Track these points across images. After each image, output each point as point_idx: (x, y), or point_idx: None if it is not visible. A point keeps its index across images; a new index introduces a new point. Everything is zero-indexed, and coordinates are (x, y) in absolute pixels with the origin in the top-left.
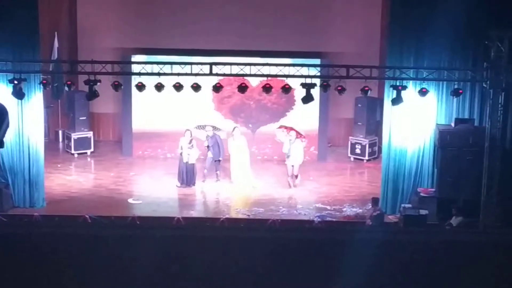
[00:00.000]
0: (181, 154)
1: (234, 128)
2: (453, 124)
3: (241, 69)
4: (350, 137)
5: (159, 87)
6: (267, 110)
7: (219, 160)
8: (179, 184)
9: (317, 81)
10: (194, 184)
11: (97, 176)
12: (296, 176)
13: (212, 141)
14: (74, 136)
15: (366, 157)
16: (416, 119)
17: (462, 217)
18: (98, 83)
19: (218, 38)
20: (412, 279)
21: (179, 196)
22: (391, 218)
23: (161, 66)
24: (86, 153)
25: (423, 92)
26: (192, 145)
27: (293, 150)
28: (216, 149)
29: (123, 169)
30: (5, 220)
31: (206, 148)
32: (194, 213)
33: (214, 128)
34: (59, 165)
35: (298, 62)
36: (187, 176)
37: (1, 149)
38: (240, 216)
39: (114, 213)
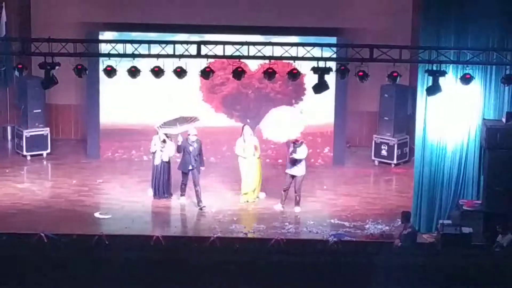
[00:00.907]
0: (153, 155)
1: (243, 127)
2: (504, 120)
3: (237, 50)
4: (374, 136)
5: (133, 72)
6: (269, 101)
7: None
8: (151, 193)
9: (332, 64)
10: (169, 195)
11: (55, 184)
12: (298, 196)
13: (193, 148)
14: (27, 133)
15: (395, 161)
16: (457, 113)
17: None
18: (57, 67)
19: (208, 10)
20: None
21: (158, 210)
22: (426, 237)
23: (136, 45)
24: (41, 154)
25: (466, 79)
26: (165, 145)
27: (298, 155)
28: (187, 157)
29: (88, 176)
30: None
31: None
32: (177, 231)
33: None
34: (7, 170)
35: (308, 41)
36: (160, 183)
37: None
38: (235, 235)
39: (76, 231)
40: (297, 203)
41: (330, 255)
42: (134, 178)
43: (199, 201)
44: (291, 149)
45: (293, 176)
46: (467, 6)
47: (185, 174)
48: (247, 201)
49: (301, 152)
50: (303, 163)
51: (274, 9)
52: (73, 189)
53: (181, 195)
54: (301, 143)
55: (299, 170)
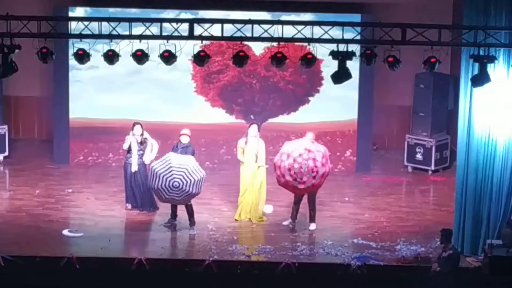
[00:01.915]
0: (126, 158)
1: (250, 125)
2: None
3: (238, 30)
4: (407, 136)
5: (111, 56)
6: (278, 93)
7: None
8: (128, 206)
9: (356, 48)
10: (153, 207)
11: (14, 194)
12: (313, 210)
13: (182, 153)
14: None
15: (432, 167)
16: (509, 109)
17: None
18: (17, 51)
19: None
20: None
21: (141, 226)
22: (470, 261)
23: (114, 24)
24: None
25: None
26: (145, 146)
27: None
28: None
29: (55, 184)
30: None
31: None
32: (164, 253)
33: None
34: None
35: (327, 19)
36: (140, 194)
37: None
38: (236, 257)
39: (40, 252)
40: (312, 218)
41: (353, 282)
42: (111, 188)
43: (191, 219)
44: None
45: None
46: None
47: None
48: (249, 219)
49: None
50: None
51: None
52: (36, 200)
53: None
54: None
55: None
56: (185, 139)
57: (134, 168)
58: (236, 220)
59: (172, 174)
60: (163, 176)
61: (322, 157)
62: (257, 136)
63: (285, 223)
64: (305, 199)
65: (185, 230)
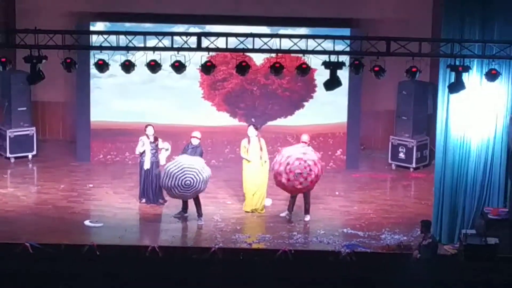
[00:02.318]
0: (141, 158)
1: (249, 126)
2: None
3: (241, 42)
4: (391, 137)
5: (127, 66)
6: (276, 99)
7: None
8: (142, 199)
9: (345, 59)
10: (163, 200)
11: (41, 189)
12: (308, 203)
13: (192, 154)
14: (10, 133)
15: (413, 165)
16: (482, 113)
17: None
18: (44, 61)
19: None
20: None
21: (154, 217)
22: (447, 248)
23: (130, 37)
24: (26, 156)
25: (492, 75)
26: (156, 145)
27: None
28: None
29: (78, 180)
30: None
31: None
32: (175, 241)
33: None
34: None
35: (319, 32)
36: (151, 189)
37: None
38: (238, 245)
39: (65, 241)
40: (307, 211)
41: (342, 267)
42: (128, 183)
43: (199, 211)
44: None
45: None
46: None
47: None
48: (253, 211)
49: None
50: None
51: None
52: (61, 194)
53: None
54: (309, 147)
55: None
56: (195, 141)
57: (147, 166)
58: (246, 211)
59: (185, 174)
60: (176, 176)
61: (316, 161)
62: (257, 135)
63: (283, 214)
64: (300, 194)
65: (193, 221)
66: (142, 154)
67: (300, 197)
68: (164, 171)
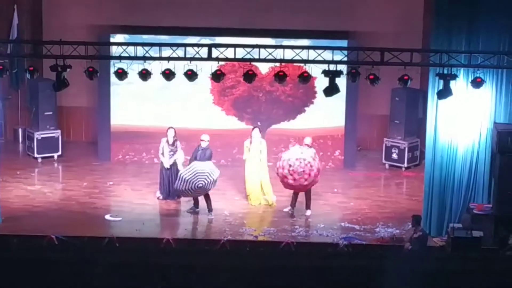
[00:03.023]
0: (161, 157)
1: (253, 128)
2: None
3: (248, 53)
4: (385, 139)
5: (144, 74)
6: (280, 105)
7: None
8: (160, 196)
9: (343, 68)
10: (178, 197)
11: (66, 186)
12: (308, 199)
13: (200, 156)
14: (38, 135)
15: (405, 164)
16: (468, 117)
17: None
18: (68, 70)
19: (219, 13)
20: None
21: (168, 212)
22: (436, 241)
23: (147, 48)
24: (52, 157)
25: (477, 83)
26: (175, 147)
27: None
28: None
29: (99, 178)
30: None
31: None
32: (187, 234)
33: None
34: (18, 172)
35: (319, 44)
36: (169, 186)
37: None
38: (245, 237)
39: (87, 233)
40: (308, 206)
41: (340, 258)
42: (145, 181)
43: (209, 206)
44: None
45: None
46: (478, 10)
47: None
48: (260, 203)
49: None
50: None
51: (285, 12)
52: (83, 191)
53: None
54: (310, 147)
55: None
56: (204, 144)
57: (166, 165)
58: (252, 205)
59: (198, 178)
60: (190, 181)
61: (313, 156)
62: (260, 137)
63: (286, 209)
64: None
65: (204, 215)
66: (162, 153)
67: (302, 194)
68: (179, 177)
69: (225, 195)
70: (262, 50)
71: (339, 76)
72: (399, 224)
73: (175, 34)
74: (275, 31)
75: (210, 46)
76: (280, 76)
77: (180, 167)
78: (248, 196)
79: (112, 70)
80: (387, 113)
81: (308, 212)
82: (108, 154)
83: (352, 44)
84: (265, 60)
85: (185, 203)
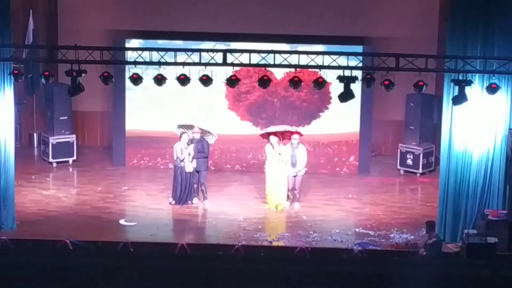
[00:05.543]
0: (177, 163)
1: (269, 137)
2: None
3: (263, 58)
4: (400, 145)
5: (159, 79)
6: (295, 110)
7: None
8: (173, 201)
9: (358, 73)
10: (192, 201)
11: (80, 190)
12: (298, 193)
13: (198, 148)
14: (53, 140)
15: (420, 170)
16: (483, 123)
17: None
18: (83, 74)
19: (234, 19)
20: None
21: (183, 217)
22: (450, 247)
23: (162, 53)
24: (67, 161)
25: (492, 89)
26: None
27: (298, 157)
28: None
29: (114, 183)
30: None
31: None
32: (202, 239)
33: (203, 131)
34: (33, 177)
35: (334, 49)
36: (184, 191)
37: None
38: (260, 243)
39: (102, 238)
40: (297, 199)
41: (355, 264)
42: (159, 186)
43: (204, 197)
44: (288, 152)
45: (294, 176)
46: (493, 15)
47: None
48: (282, 209)
49: (300, 154)
50: (303, 161)
51: (300, 18)
52: (98, 196)
53: (194, 196)
54: (298, 143)
55: (300, 170)
56: (196, 136)
57: (188, 168)
58: (269, 208)
59: None
60: None
61: None
62: (278, 141)
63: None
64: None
65: (219, 220)
66: (177, 160)
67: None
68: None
69: (240, 200)
70: (277, 55)
71: (354, 82)
72: (413, 230)
73: (190, 39)
74: (290, 36)
75: (225, 52)
76: (295, 82)
77: (190, 169)
78: (268, 203)
79: (127, 75)
80: (402, 118)
81: (297, 206)
82: (123, 159)
83: (367, 50)
84: (280, 66)
85: (201, 209)
